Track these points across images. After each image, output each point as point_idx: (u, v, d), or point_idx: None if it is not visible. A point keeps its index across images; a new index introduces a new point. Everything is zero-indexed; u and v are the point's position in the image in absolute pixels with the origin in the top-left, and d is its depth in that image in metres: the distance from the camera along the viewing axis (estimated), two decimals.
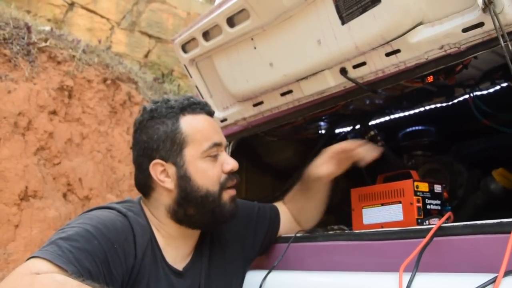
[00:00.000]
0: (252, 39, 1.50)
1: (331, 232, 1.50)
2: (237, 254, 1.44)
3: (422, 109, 1.86)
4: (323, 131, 2.08)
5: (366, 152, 1.40)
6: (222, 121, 1.77)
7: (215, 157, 1.27)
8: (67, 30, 5.93)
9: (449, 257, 1.05)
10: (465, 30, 1.11)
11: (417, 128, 1.91)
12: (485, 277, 0.87)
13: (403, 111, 1.92)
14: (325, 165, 1.47)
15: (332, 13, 1.30)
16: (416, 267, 1.01)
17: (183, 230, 1.28)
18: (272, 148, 2.08)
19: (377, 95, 1.59)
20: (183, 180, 1.24)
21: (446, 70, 1.31)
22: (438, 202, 1.32)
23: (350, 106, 1.85)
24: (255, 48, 1.50)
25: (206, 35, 1.58)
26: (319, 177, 1.49)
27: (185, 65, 1.75)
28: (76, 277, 0.93)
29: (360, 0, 1.24)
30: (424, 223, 1.23)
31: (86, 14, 6.91)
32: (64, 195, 3.59)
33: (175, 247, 1.28)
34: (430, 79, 1.36)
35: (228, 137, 1.91)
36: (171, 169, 1.25)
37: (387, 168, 1.60)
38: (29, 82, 3.64)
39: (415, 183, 1.28)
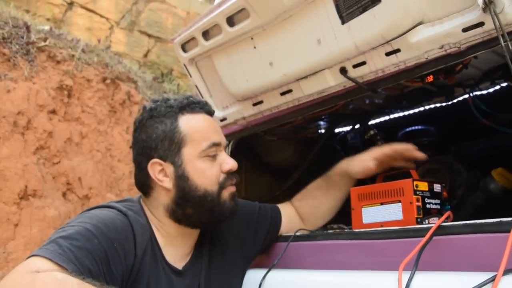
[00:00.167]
0: (252, 38, 1.50)
1: (330, 231, 1.50)
2: (237, 254, 1.45)
3: (421, 108, 1.86)
4: (322, 131, 2.08)
5: (416, 157, 1.40)
6: (221, 120, 1.78)
7: (213, 157, 1.27)
8: (66, 29, 5.92)
9: (449, 256, 1.05)
10: (465, 29, 1.11)
11: (416, 127, 1.92)
12: (485, 276, 0.88)
13: (402, 110, 1.92)
14: (366, 162, 1.45)
15: (332, 12, 1.30)
16: (416, 266, 1.02)
17: (182, 230, 1.28)
18: (271, 147, 2.08)
19: (377, 94, 1.59)
20: (181, 179, 1.24)
21: (446, 69, 1.32)
22: (438, 201, 1.32)
23: (350, 106, 1.85)
24: (255, 47, 1.50)
25: (205, 34, 1.58)
26: (354, 173, 1.49)
27: (184, 65, 1.75)
28: (76, 275, 0.93)
29: (360, 0, 1.24)
30: (424, 222, 1.24)
31: (85, 14, 6.90)
32: (64, 194, 3.59)
33: (175, 246, 1.28)
34: (430, 78, 1.36)
35: (227, 136, 1.91)
36: (170, 168, 1.25)
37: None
38: (29, 81, 3.64)
39: (415, 183, 1.28)
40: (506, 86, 1.56)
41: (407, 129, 1.94)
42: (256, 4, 1.39)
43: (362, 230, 1.31)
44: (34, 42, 3.88)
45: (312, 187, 1.61)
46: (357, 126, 2.02)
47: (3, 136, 3.21)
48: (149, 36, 7.54)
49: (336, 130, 2.13)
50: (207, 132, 1.28)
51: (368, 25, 1.24)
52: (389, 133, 1.97)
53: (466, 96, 1.59)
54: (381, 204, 1.33)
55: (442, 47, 1.18)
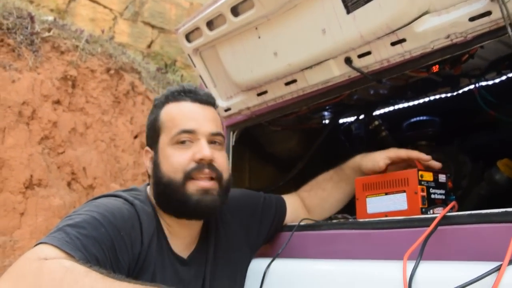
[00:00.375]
0: (256, 28, 1.49)
1: (335, 221, 1.51)
2: (242, 243, 1.45)
3: (426, 99, 1.85)
4: (327, 121, 2.08)
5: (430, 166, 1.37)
6: (226, 110, 1.77)
7: (185, 144, 1.24)
8: (70, 20, 5.91)
9: (454, 246, 1.05)
10: (472, 19, 1.10)
11: (421, 118, 1.91)
12: (490, 266, 0.88)
13: (407, 101, 1.91)
14: (379, 163, 1.40)
15: (337, 2, 1.29)
16: (420, 255, 1.02)
17: (174, 219, 1.27)
18: (275, 138, 2.08)
19: (381, 85, 1.58)
20: (155, 166, 1.26)
21: (452, 59, 1.31)
22: (443, 191, 1.31)
23: (354, 96, 1.84)
24: (259, 37, 1.49)
25: (210, 24, 1.57)
26: (365, 169, 1.46)
27: (189, 55, 1.74)
28: (83, 263, 0.94)
29: None
30: (429, 212, 1.23)
31: (89, 4, 6.88)
32: (69, 184, 3.60)
33: (179, 236, 1.29)
34: (436, 69, 1.35)
35: (231, 126, 1.91)
36: (152, 155, 1.29)
37: None
38: (33, 71, 3.64)
39: (420, 173, 1.27)
40: None
41: (412, 120, 1.93)
42: None
43: (367, 220, 1.31)
44: (38, 32, 3.88)
45: (322, 179, 1.61)
46: (361, 116, 2.02)
47: (8, 126, 3.22)
48: (153, 27, 7.52)
49: (341, 121, 2.12)
50: (180, 119, 1.26)
51: (373, 15, 1.23)
52: (393, 123, 1.96)
53: (472, 86, 1.58)
54: (386, 194, 1.33)
55: (448, 36, 1.17)
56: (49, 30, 4.03)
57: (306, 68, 1.47)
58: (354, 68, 1.37)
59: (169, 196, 1.23)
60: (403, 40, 1.25)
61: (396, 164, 1.42)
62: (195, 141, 1.24)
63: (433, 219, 1.08)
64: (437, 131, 1.89)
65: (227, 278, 1.36)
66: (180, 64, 7.24)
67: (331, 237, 1.37)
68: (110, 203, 1.15)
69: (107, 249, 1.04)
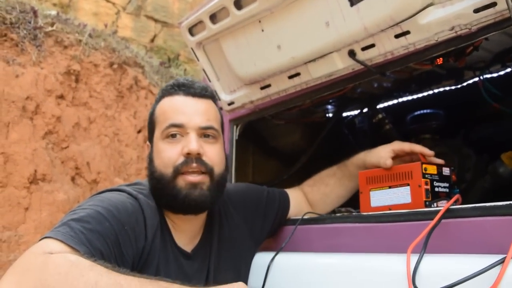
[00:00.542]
0: (259, 21, 1.48)
1: (338, 215, 1.51)
2: (246, 237, 1.46)
3: (430, 92, 1.85)
4: (330, 115, 2.07)
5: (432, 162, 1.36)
6: (229, 104, 1.77)
7: (175, 138, 1.23)
8: (73, 14, 5.90)
9: (458, 239, 1.05)
10: (476, 10, 1.09)
11: (425, 111, 1.90)
12: (494, 258, 0.87)
13: (411, 94, 1.90)
14: (383, 160, 1.38)
15: None
16: (424, 248, 1.02)
17: (173, 213, 1.27)
18: (279, 131, 2.08)
19: (385, 78, 1.58)
20: (150, 160, 1.28)
21: (456, 52, 1.30)
22: (446, 184, 1.31)
23: (358, 89, 1.84)
24: (262, 30, 1.49)
25: (213, 18, 1.56)
26: (369, 164, 1.45)
27: (192, 49, 1.74)
28: (88, 257, 0.94)
29: None
30: (432, 206, 1.23)
31: None
32: (73, 179, 3.62)
33: (181, 230, 1.29)
34: (440, 61, 1.34)
35: (235, 120, 1.91)
36: (149, 150, 1.31)
37: None
38: (36, 66, 3.64)
39: (423, 166, 1.27)
40: None
41: (416, 113, 1.92)
42: None
43: (370, 213, 1.31)
44: (41, 27, 3.88)
45: (326, 174, 1.61)
46: (365, 110, 2.01)
47: (12, 121, 3.23)
48: (156, 21, 7.50)
49: (344, 114, 2.12)
50: (170, 113, 1.26)
51: (377, 7, 1.22)
52: (397, 117, 1.96)
53: (476, 79, 1.57)
54: (390, 187, 1.33)
55: (452, 28, 1.16)
56: (52, 24, 4.03)
57: (310, 61, 1.47)
58: (357, 61, 1.37)
59: (161, 190, 1.23)
60: (407, 33, 1.24)
61: (399, 158, 1.42)
62: (185, 135, 1.24)
63: (437, 212, 1.08)
64: (441, 124, 1.89)
65: (231, 271, 1.37)
66: (183, 58, 7.23)
67: (335, 230, 1.37)
68: (114, 198, 1.16)
69: (111, 243, 1.05)
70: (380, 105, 1.98)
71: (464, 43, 1.20)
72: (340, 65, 1.41)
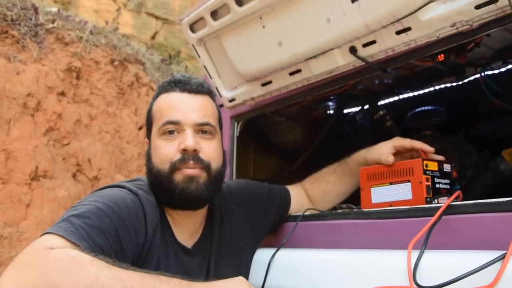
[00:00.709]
0: (260, 18, 1.48)
1: (339, 211, 1.51)
2: (247, 233, 1.46)
3: (431, 89, 1.84)
4: (331, 112, 2.07)
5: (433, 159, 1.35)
6: (230, 101, 1.77)
7: (172, 135, 1.24)
8: (74, 11, 5.90)
9: (458, 235, 1.05)
10: (478, 6, 1.09)
11: (426, 108, 1.90)
12: (494, 254, 0.87)
13: (412, 91, 1.90)
14: (385, 156, 1.37)
15: None
16: (425, 245, 1.02)
17: (173, 209, 1.28)
18: (280, 128, 2.08)
19: (386, 74, 1.58)
20: (148, 157, 1.29)
21: (457, 48, 1.30)
22: (447, 181, 1.31)
23: (359, 86, 1.84)
24: (263, 27, 1.48)
25: (214, 14, 1.56)
26: (370, 161, 1.44)
27: (193, 45, 1.73)
28: (89, 252, 0.95)
29: None
30: (433, 202, 1.23)
31: None
32: (74, 175, 3.62)
33: (181, 226, 1.30)
34: (441, 57, 1.34)
35: (236, 117, 1.91)
36: (148, 146, 1.31)
37: None
38: (37, 63, 3.65)
39: (425, 162, 1.27)
40: None
41: (417, 110, 1.92)
42: None
43: (371, 209, 1.31)
44: (42, 24, 3.88)
45: (326, 171, 1.61)
46: (366, 106, 2.01)
47: (14, 118, 3.23)
48: (157, 18, 7.50)
49: (345, 111, 2.12)
50: (166, 110, 1.27)
51: (378, 3, 1.22)
52: (398, 113, 1.96)
53: (477, 75, 1.57)
54: (390, 184, 1.33)
55: (454, 25, 1.16)
56: (53, 21, 4.03)
57: (311, 58, 1.47)
58: (358, 57, 1.37)
59: (159, 186, 1.24)
60: (408, 29, 1.24)
61: (400, 154, 1.42)
62: (182, 132, 1.24)
63: (437, 208, 1.08)
64: (442, 121, 1.89)
65: (231, 267, 1.37)
66: (184, 55, 7.23)
67: (336, 227, 1.37)
68: (115, 194, 1.16)
69: (111, 238, 1.05)
70: (381, 102, 1.98)
71: (465, 39, 1.19)
72: (341, 61, 1.41)
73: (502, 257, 0.86)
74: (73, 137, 3.69)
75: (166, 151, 1.23)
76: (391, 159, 1.36)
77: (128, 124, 4.26)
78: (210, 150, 1.26)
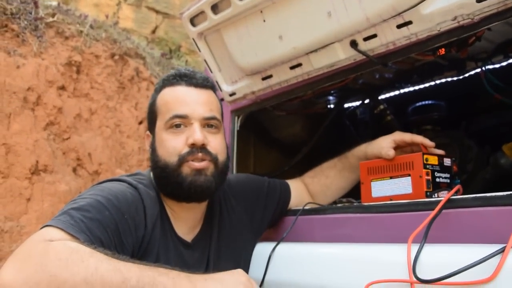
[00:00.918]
0: (261, 11, 1.48)
1: (339, 205, 1.51)
2: (247, 227, 1.46)
3: (432, 83, 1.84)
4: (332, 106, 2.07)
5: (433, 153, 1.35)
6: (231, 95, 1.77)
7: (179, 129, 1.24)
8: (74, 5, 5.88)
9: (458, 229, 1.05)
10: (479, 0, 1.09)
11: (427, 102, 1.90)
12: (494, 248, 0.88)
13: (413, 85, 1.90)
14: (385, 150, 1.37)
15: None
16: (425, 238, 1.02)
17: (176, 203, 1.28)
18: (280, 122, 2.08)
19: (387, 68, 1.57)
20: (152, 150, 1.28)
21: (458, 42, 1.29)
22: (448, 175, 1.31)
23: (360, 81, 1.83)
24: (264, 21, 1.48)
25: (214, 8, 1.56)
26: (370, 156, 1.44)
27: (193, 39, 1.73)
28: (88, 245, 0.95)
29: None
30: (433, 196, 1.23)
31: None
32: (74, 170, 3.62)
33: (182, 219, 1.30)
34: (442, 51, 1.34)
35: (236, 111, 1.91)
36: (151, 139, 1.31)
37: None
38: (38, 57, 3.63)
39: (425, 156, 1.27)
40: None
41: (417, 104, 1.92)
42: None
43: (372, 203, 1.32)
44: (42, 17, 3.86)
45: (326, 166, 1.61)
46: (366, 101, 2.01)
47: (14, 112, 3.22)
48: (157, 12, 7.47)
49: (346, 105, 2.11)
50: (173, 104, 1.27)
51: None
52: (399, 108, 1.96)
53: (478, 70, 1.56)
54: (391, 178, 1.33)
55: (455, 18, 1.16)
56: (53, 15, 4.01)
57: (311, 52, 1.46)
58: (359, 51, 1.36)
59: (166, 179, 1.24)
60: (409, 23, 1.23)
61: (400, 149, 1.42)
62: (189, 126, 1.25)
63: (437, 202, 1.08)
64: (443, 115, 1.88)
65: (231, 261, 1.37)
66: (184, 50, 7.21)
67: (336, 221, 1.37)
68: (114, 187, 1.16)
69: (111, 231, 1.06)
70: (382, 96, 1.98)
71: (466, 33, 1.19)
72: (342, 55, 1.41)
73: (502, 251, 0.86)
74: (74, 131, 3.69)
75: (174, 144, 1.23)
76: (391, 153, 1.35)
77: (128, 119, 4.25)
78: (217, 144, 1.27)
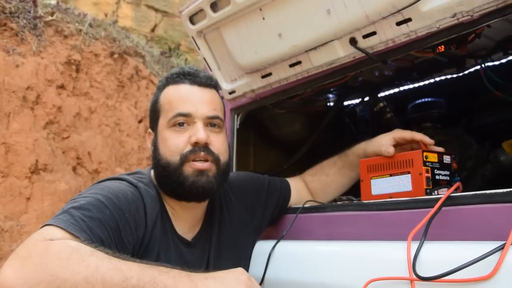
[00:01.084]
0: (260, 9, 1.48)
1: (339, 203, 1.52)
2: (247, 225, 1.46)
3: (432, 80, 1.84)
4: (331, 104, 2.07)
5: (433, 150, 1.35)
6: (230, 93, 1.77)
7: (182, 127, 1.24)
8: (73, 4, 5.87)
9: (458, 226, 1.05)
10: None
11: (426, 100, 1.89)
12: (494, 245, 0.88)
13: (412, 82, 1.90)
14: (385, 148, 1.37)
15: None
16: (424, 236, 1.02)
17: (177, 201, 1.28)
18: (280, 120, 2.08)
19: (386, 66, 1.57)
20: (154, 148, 1.28)
21: (458, 39, 1.29)
22: (447, 172, 1.31)
23: (359, 78, 1.83)
24: (263, 18, 1.48)
25: (214, 6, 1.56)
26: (370, 154, 1.44)
27: (193, 37, 1.73)
28: (89, 243, 0.95)
29: None
30: (433, 193, 1.23)
31: None
32: (74, 169, 3.62)
33: (182, 218, 1.30)
34: (442, 49, 1.33)
35: (236, 109, 1.91)
36: (153, 137, 1.31)
37: None
38: (37, 56, 3.63)
39: (424, 154, 1.27)
40: None
41: (417, 101, 1.92)
42: None
43: (371, 201, 1.32)
44: (41, 16, 3.85)
45: (326, 164, 1.61)
46: (366, 98, 2.00)
47: (13, 111, 3.22)
48: (156, 10, 7.46)
49: (345, 103, 2.11)
50: (176, 102, 1.26)
51: None
52: (398, 105, 1.95)
53: (478, 67, 1.56)
54: (390, 175, 1.33)
55: (454, 15, 1.15)
56: (52, 14, 4.00)
57: (311, 49, 1.46)
58: (359, 49, 1.36)
59: (167, 177, 1.24)
60: (409, 20, 1.23)
61: (400, 146, 1.42)
62: (192, 124, 1.25)
63: (437, 199, 1.08)
64: (443, 113, 1.88)
65: (231, 260, 1.37)
66: (184, 48, 7.20)
67: (336, 218, 1.37)
68: (115, 186, 1.16)
69: (111, 230, 1.05)
70: (381, 94, 1.98)
71: (466, 30, 1.19)
72: (341, 53, 1.41)
73: (501, 248, 0.86)
74: (73, 130, 3.68)
75: (176, 143, 1.23)
76: (391, 150, 1.35)
77: (128, 117, 4.25)
78: (219, 143, 1.27)
